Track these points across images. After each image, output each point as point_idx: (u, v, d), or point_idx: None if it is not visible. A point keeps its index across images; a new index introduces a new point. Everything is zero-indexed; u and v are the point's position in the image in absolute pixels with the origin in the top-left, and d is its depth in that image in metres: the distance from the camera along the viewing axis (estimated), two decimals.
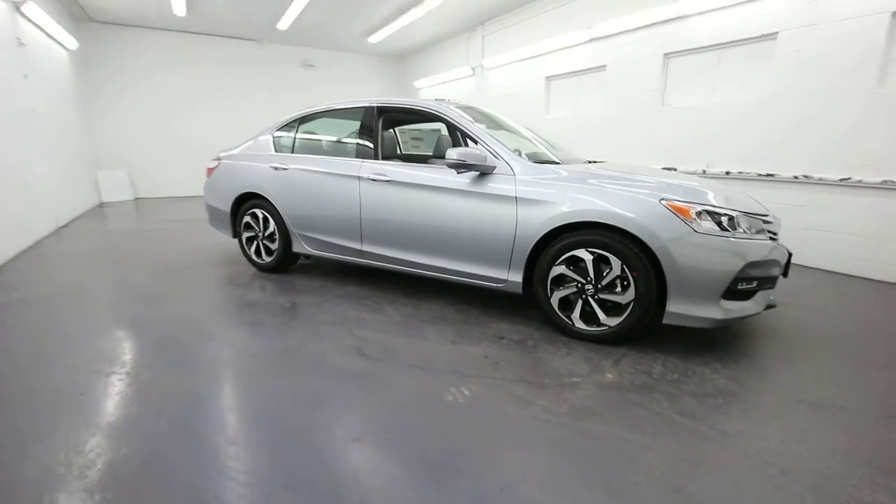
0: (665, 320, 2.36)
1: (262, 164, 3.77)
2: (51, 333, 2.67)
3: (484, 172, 2.77)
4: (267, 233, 3.79)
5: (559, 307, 2.62)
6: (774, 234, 2.57)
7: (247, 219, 3.88)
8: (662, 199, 2.32)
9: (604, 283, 2.45)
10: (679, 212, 2.28)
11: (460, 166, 2.74)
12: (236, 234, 4.05)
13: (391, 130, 3.90)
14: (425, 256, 3.04)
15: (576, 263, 2.51)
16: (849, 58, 3.86)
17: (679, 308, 2.31)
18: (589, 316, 2.54)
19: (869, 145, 3.82)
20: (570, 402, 1.97)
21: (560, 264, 2.55)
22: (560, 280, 2.58)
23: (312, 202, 3.47)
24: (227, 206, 3.99)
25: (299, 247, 3.67)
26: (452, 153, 2.71)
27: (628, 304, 2.41)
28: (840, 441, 1.73)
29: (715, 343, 2.59)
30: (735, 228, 2.30)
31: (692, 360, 2.38)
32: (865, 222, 3.88)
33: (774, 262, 2.42)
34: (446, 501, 1.40)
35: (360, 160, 3.28)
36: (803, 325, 2.90)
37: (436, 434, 1.75)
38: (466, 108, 3.28)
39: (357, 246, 3.33)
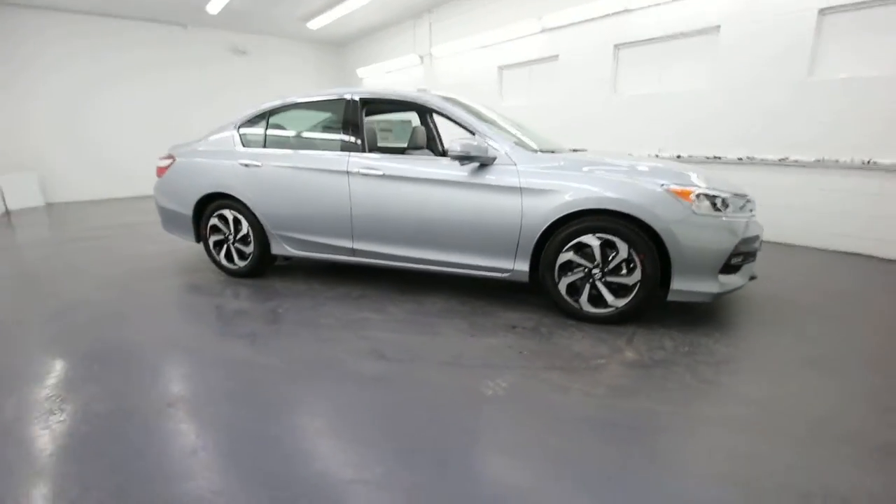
0: (669, 297, 2.51)
1: (228, 162, 3.46)
2: None
3: (484, 163, 2.75)
4: (239, 235, 3.50)
5: (566, 292, 2.69)
6: (752, 211, 2.82)
7: (213, 221, 3.56)
8: (663, 185, 2.45)
9: (611, 266, 2.55)
10: (680, 195, 2.42)
11: (464, 158, 2.70)
12: (200, 239, 3.71)
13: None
14: (426, 251, 2.98)
15: (582, 249, 2.59)
16: (783, 49, 4.29)
17: (682, 285, 2.47)
18: (596, 299, 2.64)
19: (802, 128, 4.29)
20: (604, 383, 2.04)
21: (567, 251, 2.61)
22: (567, 266, 2.65)
23: (292, 201, 3.26)
24: (187, 209, 3.63)
25: (279, 248, 3.43)
26: (456, 145, 2.66)
27: (635, 285, 2.53)
28: (847, 392, 1.96)
29: (706, 316, 2.80)
30: (726, 208, 2.49)
31: (694, 332, 2.56)
32: (803, 198, 4.38)
33: (756, 238, 2.66)
34: (562, 494, 1.40)
35: (347, 154, 3.12)
36: (767, 293, 3.22)
37: (497, 431, 1.73)
38: (447, 99, 3.22)
39: (348, 244, 3.18)
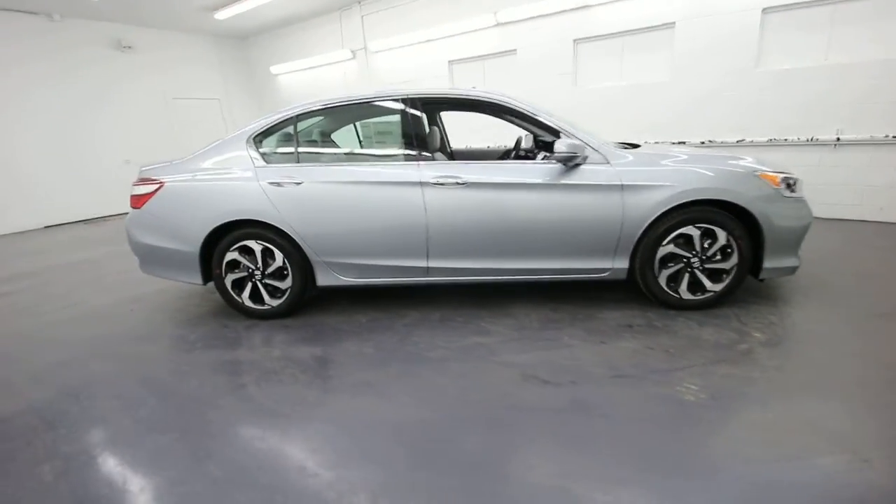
0: (762, 276, 2.71)
1: (249, 182, 2.85)
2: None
3: (578, 163, 2.66)
4: (270, 269, 2.91)
5: (666, 283, 2.75)
6: None
7: (231, 256, 2.91)
8: (755, 172, 2.62)
9: (709, 254, 2.66)
10: (770, 180, 2.61)
11: (568, 159, 2.57)
12: (211, 279, 3.01)
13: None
14: (513, 261, 2.80)
15: (681, 240, 2.66)
16: (732, 44, 4.88)
17: (773, 263, 2.68)
18: (694, 286, 2.74)
19: (754, 114, 4.94)
20: (776, 367, 2.12)
21: (668, 244, 2.66)
22: (667, 258, 2.70)
23: (349, 221, 2.80)
24: (191, 245, 2.91)
25: (327, 279, 2.94)
26: (561, 146, 2.53)
27: (731, 268, 2.68)
28: None
29: (763, 290, 3.07)
30: (798, 188, 2.75)
31: (781, 305, 2.80)
32: None
33: None
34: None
35: (415, 163, 2.77)
36: None
37: (741, 443, 1.69)
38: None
39: (421, 264, 2.84)
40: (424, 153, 2.81)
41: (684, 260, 2.69)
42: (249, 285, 2.97)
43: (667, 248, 2.67)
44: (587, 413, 1.88)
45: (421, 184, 2.72)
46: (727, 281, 2.70)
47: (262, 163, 2.90)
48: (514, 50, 6.35)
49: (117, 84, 8.10)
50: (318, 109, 2.96)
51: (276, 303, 2.99)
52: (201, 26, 8.63)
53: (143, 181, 2.99)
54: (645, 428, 1.77)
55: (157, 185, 2.95)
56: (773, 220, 2.59)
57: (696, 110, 5.25)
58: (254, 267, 2.93)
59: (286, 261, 2.89)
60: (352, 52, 8.02)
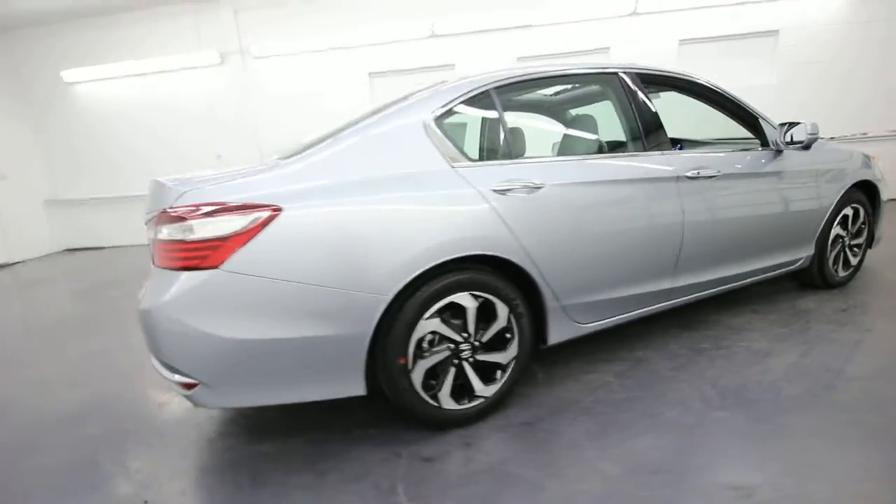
0: (874, 245, 3.08)
1: (463, 191, 1.67)
2: None
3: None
4: (488, 336, 1.75)
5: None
6: None
7: (429, 326, 1.63)
8: (870, 156, 2.98)
9: (855, 229, 2.90)
10: (875, 161, 3.01)
11: (808, 145, 2.41)
12: (384, 383, 1.62)
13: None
14: (733, 266, 2.43)
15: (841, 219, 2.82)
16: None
17: (878, 232, 3.09)
18: (843, 262, 2.92)
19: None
20: None
21: (837, 225, 2.77)
22: (835, 239, 2.81)
23: (605, 237, 1.95)
24: (355, 319, 1.52)
25: (563, 331, 1.95)
26: (804, 130, 2.33)
27: (862, 238, 2.97)
28: None
29: None
30: None
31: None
32: None
33: None
34: None
35: (662, 153, 2.12)
36: None
37: None
38: None
39: (666, 285, 2.17)
40: (656, 141, 2.19)
41: (841, 239, 2.84)
42: (452, 371, 1.71)
43: (837, 230, 2.77)
44: None
45: (677, 179, 2.10)
46: (860, 256, 2.98)
47: (465, 160, 1.74)
48: (453, 64, 5.95)
49: None
50: (520, 81, 1.98)
51: (491, 391, 1.80)
52: None
53: (225, 209, 1.40)
54: None
55: (267, 216, 1.42)
56: (882, 195, 2.99)
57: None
58: (462, 338, 1.70)
59: (511, 317, 1.78)
60: (220, 55, 6.12)
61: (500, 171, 1.77)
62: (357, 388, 1.59)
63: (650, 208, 2.05)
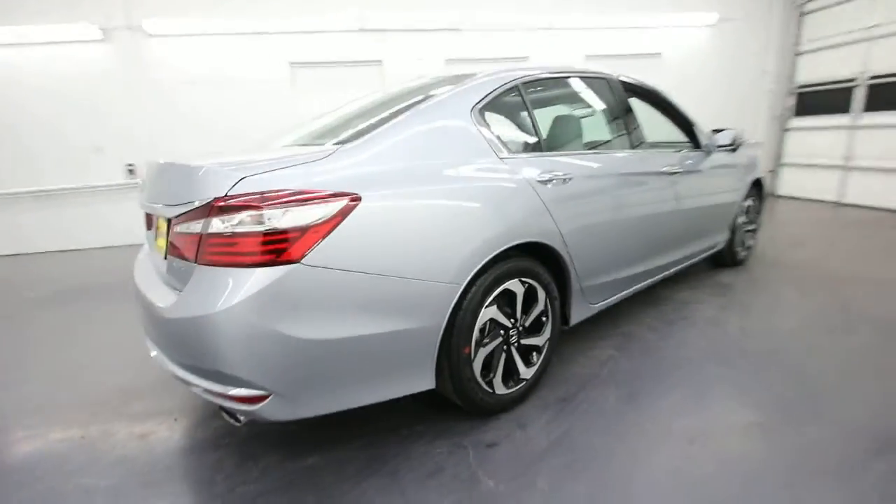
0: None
1: (514, 180, 1.73)
2: None
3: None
4: (530, 320, 1.85)
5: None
6: None
7: (488, 314, 1.66)
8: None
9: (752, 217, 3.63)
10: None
11: (736, 148, 2.96)
12: (452, 371, 1.61)
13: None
14: (687, 247, 2.88)
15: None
16: None
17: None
18: (742, 243, 3.63)
19: None
20: None
21: (742, 214, 3.44)
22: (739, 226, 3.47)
23: (618, 224, 2.22)
24: (431, 311, 1.50)
25: (580, 311, 2.13)
26: (726, 137, 2.90)
27: (756, 224, 3.71)
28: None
29: None
30: None
31: None
32: None
33: None
34: None
35: (658, 150, 2.52)
36: None
37: None
38: None
39: (650, 265, 2.53)
40: (639, 140, 2.49)
41: (744, 224, 3.52)
42: (503, 357, 1.77)
43: (741, 218, 3.43)
44: None
45: (659, 173, 2.42)
46: (753, 238, 3.73)
47: (506, 151, 1.80)
48: (380, 61, 5.85)
49: None
50: (545, 78, 2.11)
51: (530, 373, 1.90)
52: None
53: (306, 198, 1.27)
54: None
55: (346, 204, 1.32)
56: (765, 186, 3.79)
57: None
58: (510, 324, 1.77)
59: (547, 300, 1.90)
60: (102, 30, 5.15)
61: (539, 163, 1.88)
62: (427, 382, 1.55)
63: (649, 197, 2.40)
